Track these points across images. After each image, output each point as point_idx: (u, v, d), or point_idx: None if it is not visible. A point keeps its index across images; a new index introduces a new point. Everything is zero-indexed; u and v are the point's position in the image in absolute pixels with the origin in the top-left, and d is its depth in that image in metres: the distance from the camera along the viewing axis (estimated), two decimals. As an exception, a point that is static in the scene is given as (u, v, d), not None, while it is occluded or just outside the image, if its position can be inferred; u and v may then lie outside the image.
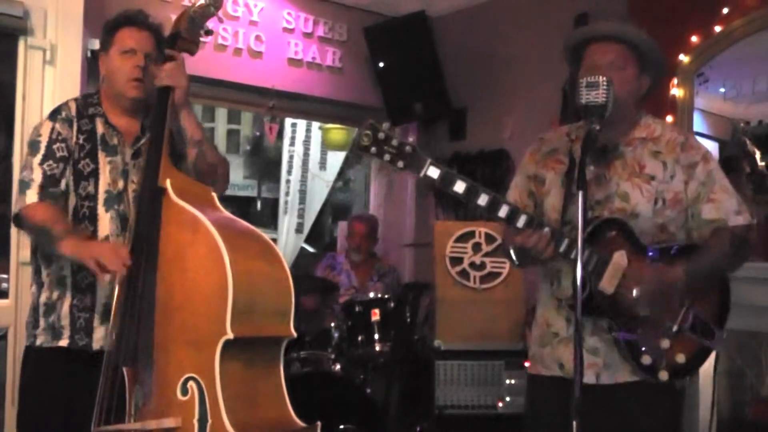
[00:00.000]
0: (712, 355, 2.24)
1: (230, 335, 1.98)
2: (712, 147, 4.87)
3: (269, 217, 15.27)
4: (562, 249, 2.06)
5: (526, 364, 4.07)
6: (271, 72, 5.20)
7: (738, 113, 4.56)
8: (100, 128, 2.44)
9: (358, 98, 5.62)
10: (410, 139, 2.05)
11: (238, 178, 18.94)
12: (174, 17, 2.46)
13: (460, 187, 2.02)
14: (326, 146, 7.06)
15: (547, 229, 2.03)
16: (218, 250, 2.03)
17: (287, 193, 7.55)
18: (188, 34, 2.40)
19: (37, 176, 2.32)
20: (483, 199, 2.03)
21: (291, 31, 5.33)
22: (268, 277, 2.19)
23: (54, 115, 2.43)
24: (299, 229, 7.56)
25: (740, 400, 3.83)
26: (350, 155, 7.23)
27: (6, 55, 3.92)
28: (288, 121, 7.22)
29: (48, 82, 3.84)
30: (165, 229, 2.17)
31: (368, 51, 5.54)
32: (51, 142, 2.35)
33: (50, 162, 2.33)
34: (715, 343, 2.18)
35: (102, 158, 2.41)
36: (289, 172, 7.53)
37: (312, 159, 7.40)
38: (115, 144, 2.44)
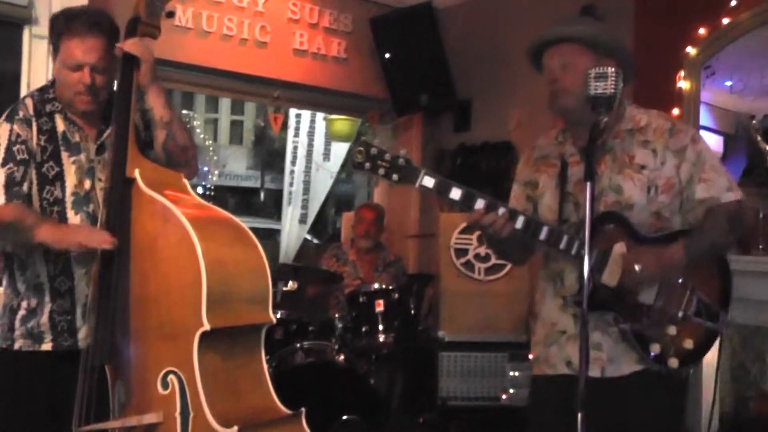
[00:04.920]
0: (715, 349, 2.23)
1: (207, 326, 1.94)
2: (716, 141, 4.86)
3: (273, 207, 15.30)
4: (562, 246, 2.09)
5: (531, 356, 4.11)
6: (276, 62, 5.19)
7: (744, 107, 4.55)
8: (60, 125, 2.33)
9: (364, 89, 5.61)
10: (403, 151, 2.07)
11: (242, 169, 18.94)
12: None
13: (456, 194, 2.07)
14: (330, 137, 7.05)
15: (503, 209, 2.07)
16: (189, 239, 1.98)
17: (291, 184, 7.55)
18: (148, 17, 2.31)
19: (0, 178, 2.24)
20: (480, 204, 2.07)
21: (296, 21, 5.31)
22: (242, 264, 2.13)
23: (11, 115, 2.30)
24: (303, 220, 7.57)
25: (743, 394, 3.83)
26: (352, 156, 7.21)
27: (10, 44, 3.92)
28: (292, 112, 7.21)
29: (52, 72, 3.83)
30: (136, 220, 2.11)
31: (374, 42, 5.52)
32: (10, 144, 2.26)
33: (11, 165, 2.25)
34: (721, 326, 2.17)
35: (66, 159, 2.31)
36: (293, 163, 7.53)
37: (316, 150, 7.40)
38: (77, 141, 2.34)
